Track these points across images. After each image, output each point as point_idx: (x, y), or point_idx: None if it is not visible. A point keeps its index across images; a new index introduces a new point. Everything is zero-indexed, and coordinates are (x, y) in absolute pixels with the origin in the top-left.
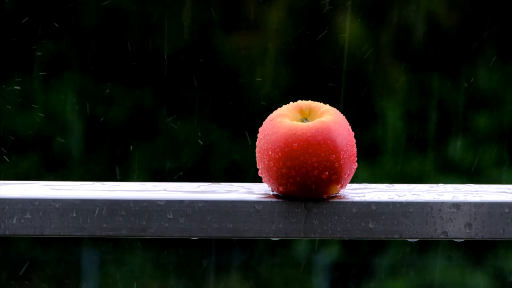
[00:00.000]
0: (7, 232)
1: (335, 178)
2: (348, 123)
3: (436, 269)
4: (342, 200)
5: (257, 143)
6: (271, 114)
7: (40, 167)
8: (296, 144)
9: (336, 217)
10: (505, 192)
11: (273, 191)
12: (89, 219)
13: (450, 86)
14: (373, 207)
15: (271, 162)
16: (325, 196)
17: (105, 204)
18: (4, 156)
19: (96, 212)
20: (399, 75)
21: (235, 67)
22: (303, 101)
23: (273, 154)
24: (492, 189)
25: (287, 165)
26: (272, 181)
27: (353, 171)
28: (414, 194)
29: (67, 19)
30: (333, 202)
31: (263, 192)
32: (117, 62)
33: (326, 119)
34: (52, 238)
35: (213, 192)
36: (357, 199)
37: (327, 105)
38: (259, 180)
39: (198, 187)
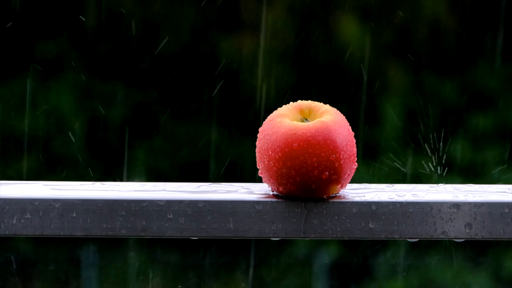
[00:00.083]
0: (7, 232)
1: (335, 178)
2: (348, 123)
3: (436, 269)
4: (342, 200)
5: (257, 143)
6: (271, 114)
7: (40, 167)
8: (296, 144)
9: (336, 217)
10: (505, 192)
11: (273, 191)
12: (89, 219)
13: (450, 86)
14: (373, 207)
15: (271, 162)
16: (325, 196)
17: (105, 204)
18: (4, 156)
19: (96, 212)
20: (399, 75)
21: (235, 67)
22: (303, 101)
23: (273, 154)
24: (492, 189)
25: (287, 165)
26: (272, 181)
27: (353, 171)
28: (414, 194)
29: (67, 18)
30: (333, 202)
31: (263, 192)
32: (117, 62)
33: (326, 119)
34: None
35: (213, 192)
36: (357, 199)
37: (327, 105)
38: (259, 180)
39: (198, 187)
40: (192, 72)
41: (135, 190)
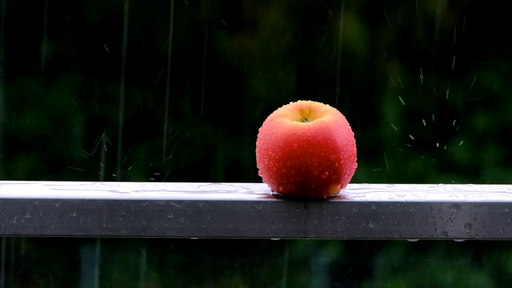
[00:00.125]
0: (7, 232)
1: (335, 178)
2: (348, 123)
3: (436, 269)
4: (342, 200)
5: (257, 143)
6: (271, 114)
7: (40, 167)
8: (296, 144)
9: (336, 217)
10: (505, 192)
11: (273, 191)
12: (89, 219)
13: (450, 86)
14: (373, 207)
15: (271, 162)
16: (325, 196)
17: (105, 204)
18: (4, 156)
19: (96, 212)
20: (399, 75)
21: (235, 67)
22: (303, 101)
23: (273, 154)
24: (492, 189)
25: (287, 165)
26: (272, 181)
27: (353, 171)
28: (414, 194)
29: (68, 18)
30: (333, 202)
31: (263, 192)
32: (118, 62)
33: (326, 119)
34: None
35: (213, 192)
36: (357, 199)
37: (327, 105)
38: (259, 180)
39: (198, 187)
40: (192, 72)
41: (135, 190)
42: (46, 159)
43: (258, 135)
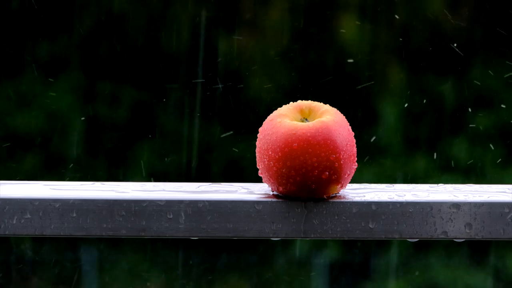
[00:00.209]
0: (7, 232)
1: (335, 178)
2: (348, 123)
3: (436, 269)
4: (342, 200)
5: (257, 143)
6: (271, 114)
7: (40, 167)
8: (296, 144)
9: (336, 217)
10: (505, 192)
11: (273, 191)
12: (89, 219)
13: (450, 86)
14: (373, 207)
15: (271, 162)
16: (325, 196)
17: (105, 204)
18: (4, 156)
19: (96, 212)
20: (399, 75)
21: (235, 67)
22: (303, 101)
23: (273, 154)
24: (492, 189)
25: (287, 165)
26: (272, 181)
27: (353, 171)
28: (414, 194)
29: (67, 18)
30: (333, 202)
31: (263, 192)
32: (118, 61)
33: (326, 119)
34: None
35: (213, 192)
36: (357, 199)
37: (327, 105)
38: (259, 180)
39: (198, 187)
40: (192, 72)
41: (135, 190)
42: (46, 159)
43: (258, 135)
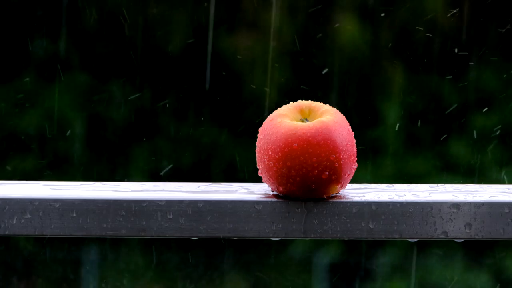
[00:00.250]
0: (7, 232)
1: (335, 178)
2: (348, 123)
3: (436, 269)
4: (342, 200)
5: (257, 143)
6: (271, 114)
7: (40, 167)
8: (296, 144)
9: (336, 217)
10: (505, 192)
11: (273, 191)
12: (89, 219)
13: (450, 86)
14: (373, 207)
15: (271, 162)
16: (325, 196)
17: (105, 204)
18: (4, 156)
19: (96, 212)
20: (399, 75)
21: (235, 67)
22: (303, 101)
23: (273, 154)
24: (492, 189)
25: (287, 165)
26: (272, 181)
27: (353, 171)
28: (414, 194)
29: (67, 18)
30: (333, 202)
31: (263, 192)
32: (118, 61)
33: (326, 119)
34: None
35: (213, 192)
36: (357, 199)
37: (327, 105)
38: (259, 180)
39: (198, 187)
40: (192, 72)
41: (135, 190)
42: (46, 159)
43: (258, 135)
